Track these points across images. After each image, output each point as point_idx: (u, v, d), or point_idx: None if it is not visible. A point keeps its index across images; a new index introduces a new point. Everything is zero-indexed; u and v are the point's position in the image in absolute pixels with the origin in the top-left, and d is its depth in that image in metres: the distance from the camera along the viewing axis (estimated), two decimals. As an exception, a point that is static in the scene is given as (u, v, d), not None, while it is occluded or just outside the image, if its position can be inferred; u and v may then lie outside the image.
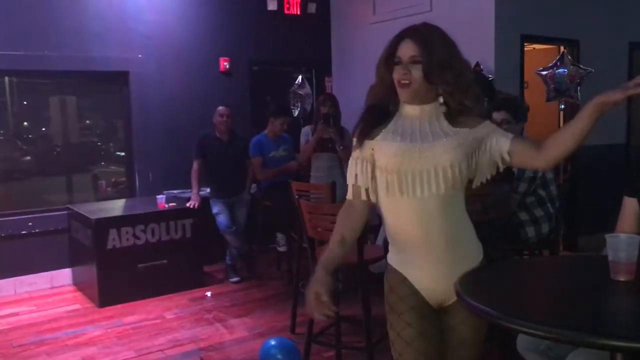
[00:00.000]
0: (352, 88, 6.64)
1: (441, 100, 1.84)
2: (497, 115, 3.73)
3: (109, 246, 4.89)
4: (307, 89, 6.62)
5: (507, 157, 1.81)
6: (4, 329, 4.50)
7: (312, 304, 1.82)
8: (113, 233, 4.90)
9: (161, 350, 3.97)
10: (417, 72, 1.79)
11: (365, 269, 3.52)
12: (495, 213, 3.43)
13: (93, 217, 4.95)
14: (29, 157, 6.11)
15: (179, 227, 5.22)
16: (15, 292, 5.30)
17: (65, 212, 5.51)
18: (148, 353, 3.94)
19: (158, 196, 5.38)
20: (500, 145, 1.81)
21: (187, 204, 5.30)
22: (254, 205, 5.72)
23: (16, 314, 4.82)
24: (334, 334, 3.74)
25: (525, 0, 5.61)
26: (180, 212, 5.23)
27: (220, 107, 5.46)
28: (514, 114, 3.78)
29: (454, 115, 1.84)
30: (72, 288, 5.47)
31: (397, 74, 1.82)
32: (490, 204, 3.41)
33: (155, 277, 5.06)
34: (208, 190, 5.57)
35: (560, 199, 3.82)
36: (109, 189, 6.28)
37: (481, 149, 1.83)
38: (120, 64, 5.83)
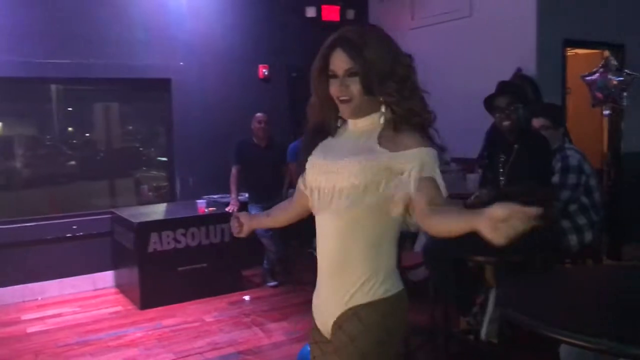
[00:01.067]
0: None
1: (382, 109, 1.67)
2: (536, 122, 3.68)
3: (151, 249, 4.98)
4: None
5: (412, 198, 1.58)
6: (50, 329, 4.62)
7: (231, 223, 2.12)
8: (154, 237, 4.99)
9: (200, 353, 4.02)
10: (355, 87, 1.62)
11: (404, 276, 3.50)
12: (536, 220, 3.37)
13: (135, 220, 5.06)
14: (73, 162, 6.28)
15: (218, 232, 5.28)
16: (60, 294, 5.44)
17: (108, 215, 5.64)
18: (187, 356, 4.00)
19: (198, 201, 5.47)
20: (410, 185, 1.57)
21: (226, 209, 5.37)
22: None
23: (61, 315, 4.95)
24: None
25: (568, 4, 5.51)
26: (220, 217, 5.30)
27: (257, 114, 5.52)
28: (553, 119, 3.72)
29: (397, 125, 1.65)
30: (114, 290, 5.59)
31: (335, 89, 1.66)
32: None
33: (195, 280, 5.13)
34: (247, 195, 5.63)
35: (604, 206, 3.74)
36: (150, 193, 6.41)
37: (393, 181, 1.60)
38: (162, 71, 5.95)
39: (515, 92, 3.50)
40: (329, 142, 1.76)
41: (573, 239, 3.62)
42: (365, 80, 1.60)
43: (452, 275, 3.52)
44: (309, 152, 1.77)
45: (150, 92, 6.33)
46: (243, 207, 5.43)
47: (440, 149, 1.68)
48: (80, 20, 5.53)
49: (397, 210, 1.61)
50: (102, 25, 5.64)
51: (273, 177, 5.53)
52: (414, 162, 1.57)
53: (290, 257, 5.75)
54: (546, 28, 5.35)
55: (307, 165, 1.78)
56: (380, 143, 1.63)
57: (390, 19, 6.93)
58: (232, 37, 6.33)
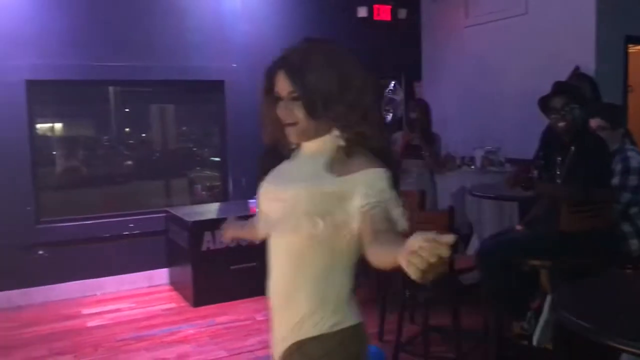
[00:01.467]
0: (443, 93, 6.55)
1: (335, 132, 1.57)
2: (593, 122, 3.57)
3: (204, 248, 5.08)
4: (400, 94, 6.61)
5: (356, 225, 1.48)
6: (108, 323, 4.78)
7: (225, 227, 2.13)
8: (208, 235, 5.08)
9: (251, 351, 4.08)
10: (299, 111, 1.54)
11: (456, 279, 3.45)
12: (595, 223, 3.27)
13: (189, 219, 5.16)
14: (130, 162, 6.46)
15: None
16: (117, 290, 5.60)
17: (163, 214, 5.77)
18: (239, 353, 4.06)
19: (250, 200, 5.52)
20: (354, 213, 1.47)
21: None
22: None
23: (118, 310, 5.10)
24: (422, 343, 3.70)
25: None
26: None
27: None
28: (611, 120, 3.60)
29: (347, 148, 1.55)
30: (168, 287, 5.72)
31: (280, 112, 1.59)
32: (590, 214, 3.25)
33: (246, 278, 5.18)
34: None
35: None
36: (204, 192, 6.52)
37: (340, 207, 1.49)
38: (216, 73, 6.05)
39: (571, 92, 3.40)
40: (283, 166, 1.69)
41: (634, 243, 3.49)
42: (307, 106, 1.51)
43: (506, 279, 3.45)
44: (261, 177, 1.71)
45: (204, 93, 6.45)
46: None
47: (395, 170, 1.56)
48: (138, 25, 5.68)
49: (346, 239, 1.52)
50: (159, 29, 5.77)
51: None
52: (359, 186, 1.46)
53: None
54: (606, 24, 5.16)
55: (260, 191, 1.72)
56: (329, 167, 1.54)
57: (443, 17, 6.85)
58: (284, 37, 6.28)
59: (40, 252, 5.29)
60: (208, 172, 6.71)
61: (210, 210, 5.77)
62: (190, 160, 6.75)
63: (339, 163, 1.53)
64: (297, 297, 1.59)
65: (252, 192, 5.85)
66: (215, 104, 6.30)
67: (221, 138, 6.35)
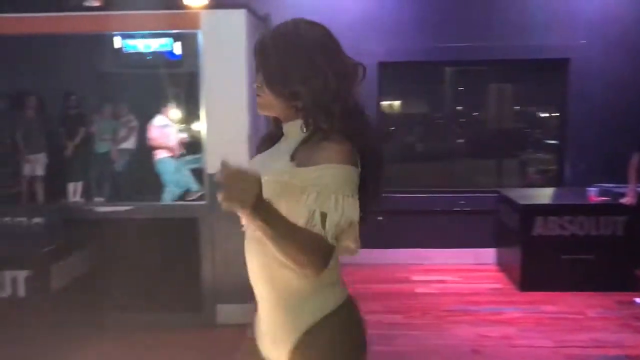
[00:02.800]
0: None
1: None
2: None
3: (534, 233, 4.93)
4: None
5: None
6: (434, 292, 5.03)
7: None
8: (539, 220, 4.92)
9: (581, 347, 3.86)
10: (261, 82, 1.54)
11: None
12: None
13: (521, 202, 5.07)
14: (461, 140, 6.60)
15: (610, 223, 4.90)
16: (444, 262, 5.82)
17: (493, 195, 5.76)
18: (567, 347, 3.87)
19: (589, 188, 5.16)
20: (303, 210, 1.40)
21: (622, 200, 4.92)
22: None
23: (444, 282, 5.32)
24: None
25: None
26: (613, 208, 4.90)
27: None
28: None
29: (309, 140, 1.46)
30: (494, 267, 5.72)
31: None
32: None
33: (579, 271, 4.89)
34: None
35: None
36: (536, 176, 6.32)
37: (294, 197, 1.41)
38: (560, 51, 5.74)
39: None
40: (271, 148, 1.62)
41: None
42: (265, 76, 1.51)
43: None
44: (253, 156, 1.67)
45: (544, 73, 6.18)
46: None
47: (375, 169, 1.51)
48: (481, 6, 5.73)
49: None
50: (503, 8, 5.73)
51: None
52: (313, 182, 1.39)
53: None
54: None
55: None
56: (294, 154, 1.46)
57: None
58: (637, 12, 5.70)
59: (380, 218, 5.79)
60: (541, 155, 6.46)
61: (543, 194, 5.58)
62: (523, 141, 6.60)
63: (304, 151, 1.46)
64: (259, 284, 1.55)
65: (591, 179, 5.48)
66: (556, 84, 5.98)
67: (561, 120, 6.02)
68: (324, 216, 1.36)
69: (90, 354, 3.78)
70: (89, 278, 3.99)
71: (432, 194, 5.97)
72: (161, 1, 4.64)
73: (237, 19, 4.12)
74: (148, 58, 7.19)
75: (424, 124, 6.97)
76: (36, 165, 6.96)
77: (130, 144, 7.27)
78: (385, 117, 6.50)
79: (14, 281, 3.42)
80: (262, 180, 1.30)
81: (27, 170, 6.96)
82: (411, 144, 7.04)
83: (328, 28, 1.55)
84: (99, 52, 7.20)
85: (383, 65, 5.71)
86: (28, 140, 6.81)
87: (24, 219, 4.41)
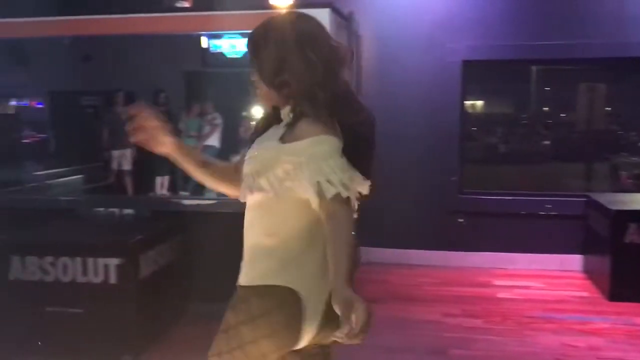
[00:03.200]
0: None
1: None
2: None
3: (627, 240, 4.69)
4: None
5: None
6: (517, 298, 4.87)
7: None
8: (632, 227, 4.67)
9: (676, 364, 3.62)
10: (255, 77, 1.68)
11: None
12: None
13: (612, 208, 4.84)
14: (547, 142, 6.36)
15: None
16: (527, 267, 5.62)
17: (582, 199, 5.52)
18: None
19: (688, 194, 4.85)
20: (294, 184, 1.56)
21: None
22: None
23: (527, 288, 5.14)
24: None
25: None
26: None
27: None
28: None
29: (294, 124, 1.58)
30: (580, 275, 5.48)
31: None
32: None
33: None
34: None
35: None
36: (629, 180, 6.01)
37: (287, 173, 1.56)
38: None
39: None
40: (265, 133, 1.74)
41: None
42: (257, 70, 1.64)
43: None
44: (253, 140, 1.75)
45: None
46: None
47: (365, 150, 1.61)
48: (571, 2, 5.50)
49: (289, 202, 1.58)
50: (595, 4, 5.48)
51: None
52: (298, 156, 1.52)
53: None
54: None
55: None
56: (283, 135, 1.58)
57: None
58: None
59: (460, 220, 5.70)
60: (636, 159, 6.13)
61: (637, 200, 5.29)
62: (615, 144, 6.28)
63: (290, 131, 1.57)
64: (246, 246, 1.72)
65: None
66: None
67: (658, 122, 5.69)
68: (327, 182, 1.47)
69: (176, 338, 3.94)
70: (174, 267, 4.14)
71: (518, 196, 5.78)
72: (248, 2, 4.75)
73: (322, 17, 4.14)
74: (234, 57, 7.39)
75: (508, 125, 6.78)
76: (122, 160, 7.31)
77: (214, 140, 7.50)
78: (469, 117, 6.36)
79: (106, 268, 3.58)
80: (253, 155, 1.60)
81: (114, 164, 7.33)
82: (494, 146, 6.86)
83: (317, 19, 1.70)
84: (187, 52, 7.47)
85: (467, 64, 5.58)
86: (115, 135, 7.14)
87: (115, 210, 4.66)
